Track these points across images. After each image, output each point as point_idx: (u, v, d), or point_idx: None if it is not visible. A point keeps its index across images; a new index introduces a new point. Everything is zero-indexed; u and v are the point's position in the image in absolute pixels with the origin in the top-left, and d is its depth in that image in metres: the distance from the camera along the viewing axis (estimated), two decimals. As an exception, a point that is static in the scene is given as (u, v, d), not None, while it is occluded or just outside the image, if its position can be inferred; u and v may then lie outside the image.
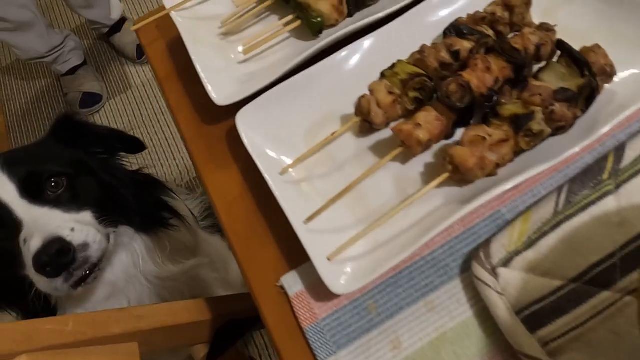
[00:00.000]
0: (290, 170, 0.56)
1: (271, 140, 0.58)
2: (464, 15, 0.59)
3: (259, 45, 0.65)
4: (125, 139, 1.00)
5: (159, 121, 2.02)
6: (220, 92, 0.61)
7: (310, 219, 0.51)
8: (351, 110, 0.59)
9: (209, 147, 0.64)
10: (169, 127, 1.99)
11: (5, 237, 0.76)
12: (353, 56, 0.61)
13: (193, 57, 0.64)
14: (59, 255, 0.71)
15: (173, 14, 0.69)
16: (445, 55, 0.55)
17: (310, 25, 0.64)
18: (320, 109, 0.60)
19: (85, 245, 0.75)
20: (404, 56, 0.58)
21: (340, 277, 0.48)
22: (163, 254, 0.97)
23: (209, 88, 0.61)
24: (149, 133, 1.99)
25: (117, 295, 0.90)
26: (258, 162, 0.55)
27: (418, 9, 0.62)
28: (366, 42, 0.61)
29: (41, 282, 0.74)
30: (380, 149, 0.57)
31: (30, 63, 2.29)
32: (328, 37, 0.62)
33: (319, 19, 0.63)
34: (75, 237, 0.74)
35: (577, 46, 0.53)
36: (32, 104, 2.20)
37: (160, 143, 1.96)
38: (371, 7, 0.67)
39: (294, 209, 0.52)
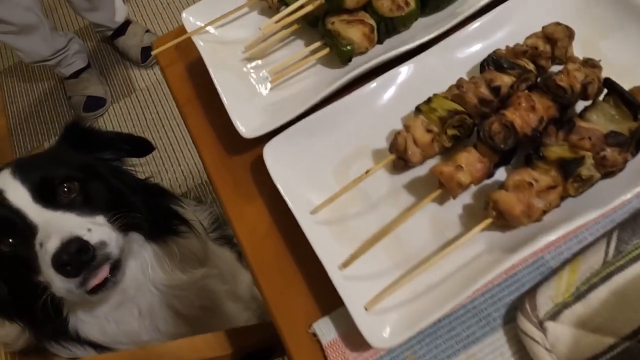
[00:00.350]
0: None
1: (300, 176, 0.56)
2: (502, 47, 0.57)
3: (285, 74, 0.63)
4: (133, 140, 0.99)
5: (163, 126, 1.99)
6: (246, 124, 0.59)
7: (346, 264, 0.49)
8: (383, 144, 0.57)
9: (234, 179, 0.61)
10: (173, 131, 1.96)
11: (19, 242, 0.76)
12: (385, 88, 0.59)
13: (218, 87, 0.62)
14: (79, 253, 0.72)
15: (194, 38, 0.67)
16: (485, 91, 0.52)
17: (339, 53, 0.62)
18: (350, 142, 0.58)
19: (103, 244, 0.76)
20: (438, 88, 0.56)
21: (379, 329, 0.46)
22: (172, 262, 0.97)
23: (235, 120, 0.59)
24: (153, 138, 1.96)
25: (127, 304, 0.90)
26: (288, 200, 0.53)
27: (452, 39, 0.59)
28: (398, 72, 0.59)
29: (59, 284, 0.74)
30: (416, 188, 0.54)
31: (33, 65, 2.26)
32: (357, 65, 0.60)
33: (348, 47, 0.61)
34: (93, 237, 0.75)
35: (622, 81, 0.51)
36: (35, 107, 2.17)
37: (165, 148, 1.93)
38: (402, 33, 0.64)
39: (327, 252, 0.50)
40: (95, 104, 2.05)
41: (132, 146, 0.95)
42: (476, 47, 0.59)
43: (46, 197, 0.78)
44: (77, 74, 2.05)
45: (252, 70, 0.66)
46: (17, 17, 1.74)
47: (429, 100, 0.54)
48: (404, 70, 0.59)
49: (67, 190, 0.79)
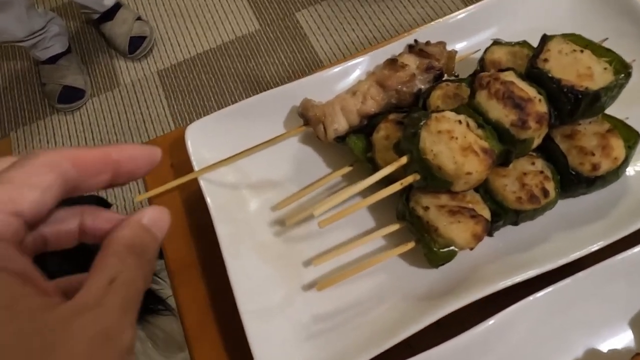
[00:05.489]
0: None
1: None
2: None
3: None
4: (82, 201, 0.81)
5: (146, 129, 1.78)
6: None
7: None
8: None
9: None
10: (157, 136, 1.75)
11: None
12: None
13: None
14: None
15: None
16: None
17: (430, 255, 0.45)
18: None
19: None
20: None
21: None
22: (154, 345, 0.88)
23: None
24: (133, 142, 1.75)
25: None
26: None
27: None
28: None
29: None
30: None
31: (4, 45, 2.01)
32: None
33: (446, 250, 0.44)
34: None
35: None
36: (4, 90, 1.93)
37: (146, 156, 1.72)
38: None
39: None
40: (73, 95, 1.83)
41: None
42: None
43: None
44: (54, 59, 1.82)
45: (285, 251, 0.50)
46: (-12, -9, 1.51)
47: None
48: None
49: None
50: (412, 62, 0.55)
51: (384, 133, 0.52)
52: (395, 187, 0.46)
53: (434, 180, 0.45)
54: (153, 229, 0.29)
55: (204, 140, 0.55)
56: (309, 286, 0.50)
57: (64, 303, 0.23)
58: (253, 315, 0.46)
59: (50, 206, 0.26)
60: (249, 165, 0.56)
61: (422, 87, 0.55)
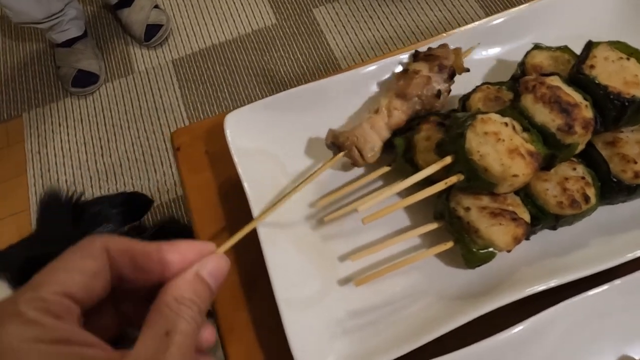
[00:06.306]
0: None
1: None
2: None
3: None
4: (126, 200, 0.79)
5: (159, 118, 1.77)
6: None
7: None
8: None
9: None
10: (169, 127, 1.75)
11: None
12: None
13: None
14: None
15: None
16: None
17: (468, 256, 0.46)
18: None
19: None
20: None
21: None
22: None
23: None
24: (145, 130, 1.75)
25: None
26: None
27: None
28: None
29: None
30: None
31: (21, 26, 2.01)
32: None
33: (486, 251, 0.44)
34: None
35: None
36: (18, 70, 1.93)
37: (157, 145, 1.72)
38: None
39: None
40: (87, 79, 1.82)
41: (125, 208, 0.75)
42: None
43: None
44: (70, 43, 1.82)
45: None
46: (8, -30, 1.50)
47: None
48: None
49: None
50: (423, 67, 0.56)
51: (425, 134, 0.52)
52: (440, 186, 0.46)
53: (478, 181, 0.45)
54: (210, 280, 0.29)
55: (242, 130, 0.55)
56: (344, 281, 0.50)
57: (126, 357, 0.25)
58: (289, 304, 0.46)
59: (99, 291, 0.28)
60: (288, 159, 0.56)
61: (440, 87, 0.56)
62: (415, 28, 1.82)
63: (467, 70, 0.58)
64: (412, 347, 0.44)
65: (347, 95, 0.58)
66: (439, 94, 0.55)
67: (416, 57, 0.58)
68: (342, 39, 1.85)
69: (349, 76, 0.59)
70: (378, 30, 1.84)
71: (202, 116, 1.75)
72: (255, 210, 0.51)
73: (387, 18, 1.86)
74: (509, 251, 0.48)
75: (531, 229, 0.48)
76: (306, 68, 1.80)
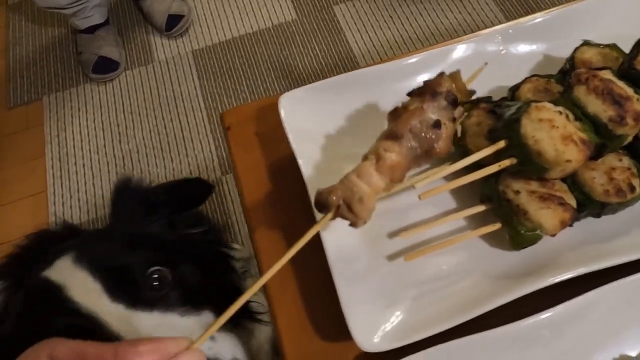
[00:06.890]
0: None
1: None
2: None
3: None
4: (187, 186, 0.79)
5: (177, 107, 1.79)
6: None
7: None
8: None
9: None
10: (186, 116, 1.76)
11: None
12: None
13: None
14: None
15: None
16: None
17: (515, 237, 0.48)
18: None
19: None
20: None
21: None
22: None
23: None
24: (163, 118, 1.77)
25: None
26: None
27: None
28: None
29: None
30: None
31: (45, 11, 2.02)
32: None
33: (533, 233, 0.46)
34: (223, 352, 0.53)
35: None
36: (40, 54, 1.95)
37: (175, 134, 1.74)
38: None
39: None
40: (107, 66, 1.84)
41: (186, 194, 0.75)
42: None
43: (129, 293, 0.54)
44: (92, 29, 1.84)
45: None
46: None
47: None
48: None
49: (158, 281, 0.56)
50: (414, 101, 0.50)
51: (475, 120, 0.54)
52: (493, 168, 0.48)
53: (531, 165, 0.47)
54: None
55: (296, 110, 0.57)
56: (393, 257, 0.52)
57: None
58: (343, 277, 0.48)
59: None
60: (339, 139, 0.58)
61: (438, 117, 0.48)
62: (435, 29, 1.85)
63: (473, 92, 0.52)
64: (462, 320, 0.46)
65: (402, 82, 0.60)
66: (437, 124, 0.47)
67: (410, 94, 0.52)
68: (362, 37, 1.87)
69: (406, 63, 0.61)
70: (398, 29, 1.87)
71: (220, 107, 1.76)
72: (310, 187, 0.53)
73: (408, 18, 1.88)
74: (553, 235, 0.50)
75: (577, 214, 0.50)
76: (324, 64, 1.82)
